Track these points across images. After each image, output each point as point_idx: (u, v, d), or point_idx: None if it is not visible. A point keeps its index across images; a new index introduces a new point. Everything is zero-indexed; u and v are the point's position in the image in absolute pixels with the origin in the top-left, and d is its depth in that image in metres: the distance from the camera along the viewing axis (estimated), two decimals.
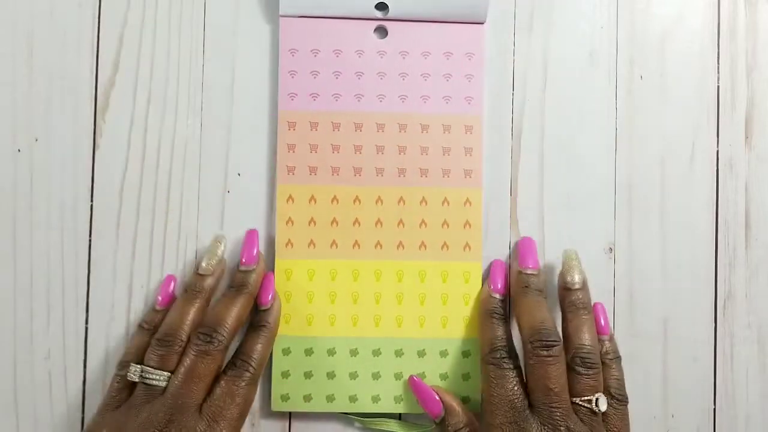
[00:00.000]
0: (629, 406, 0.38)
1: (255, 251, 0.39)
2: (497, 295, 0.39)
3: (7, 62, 0.40)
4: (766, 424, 0.42)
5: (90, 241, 0.40)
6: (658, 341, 0.42)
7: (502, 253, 0.41)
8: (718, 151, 0.42)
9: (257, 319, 0.39)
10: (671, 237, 0.42)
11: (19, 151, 0.40)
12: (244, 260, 0.39)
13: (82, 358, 0.40)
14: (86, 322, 0.40)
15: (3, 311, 0.40)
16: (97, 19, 0.41)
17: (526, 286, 0.39)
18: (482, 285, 0.40)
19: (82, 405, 0.40)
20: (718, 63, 0.43)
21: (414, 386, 0.40)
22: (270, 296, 0.39)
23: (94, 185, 0.40)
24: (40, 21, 0.41)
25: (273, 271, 0.40)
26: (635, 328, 0.41)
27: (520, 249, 0.40)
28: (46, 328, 0.40)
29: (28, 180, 0.40)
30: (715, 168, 0.42)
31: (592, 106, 0.42)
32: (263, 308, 0.39)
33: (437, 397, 0.39)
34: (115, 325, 0.40)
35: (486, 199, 0.41)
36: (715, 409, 0.42)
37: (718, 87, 0.43)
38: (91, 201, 0.40)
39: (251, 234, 0.40)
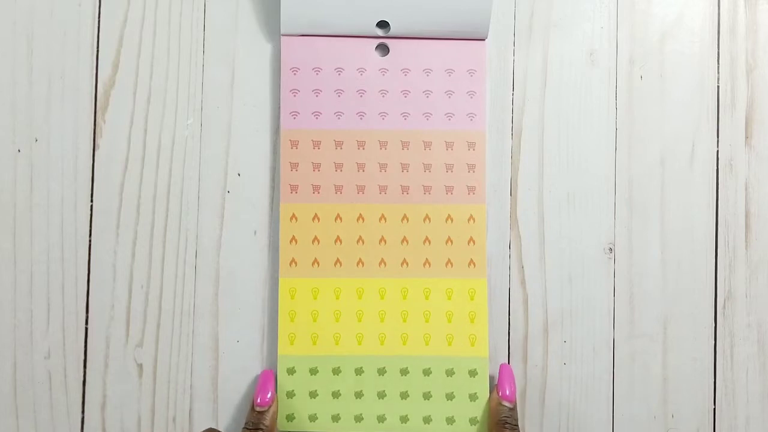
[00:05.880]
0: (631, 405, 0.38)
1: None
2: (507, 404, 0.38)
3: (7, 62, 0.40)
4: (766, 424, 0.42)
5: (90, 241, 0.40)
6: (658, 341, 0.41)
7: (501, 252, 0.41)
8: (718, 151, 0.42)
9: (252, 420, 0.38)
10: (671, 237, 0.42)
11: (19, 151, 0.40)
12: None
13: (82, 358, 0.40)
14: (86, 322, 0.40)
15: (3, 311, 0.40)
16: (97, 19, 0.41)
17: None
18: (491, 392, 0.39)
19: (82, 405, 0.40)
20: (718, 63, 0.43)
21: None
22: (269, 396, 0.39)
23: (94, 185, 0.40)
24: (40, 21, 0.41)
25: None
26: (635, 328, 0.41)
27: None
28: (46, 328, 0.40)
29: (28, 180, 0.40)
30: (715, 168, 0.42)
31: (592, 106, 0.42)
32: (260, 409, 0.39)
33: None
34: (115, 325, 0.40)
35: (486, 199, 0.41)
36: (715, 409, 0.42)
37: (718, 87, 0.43)
38: (91, 201, 0.40)
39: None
